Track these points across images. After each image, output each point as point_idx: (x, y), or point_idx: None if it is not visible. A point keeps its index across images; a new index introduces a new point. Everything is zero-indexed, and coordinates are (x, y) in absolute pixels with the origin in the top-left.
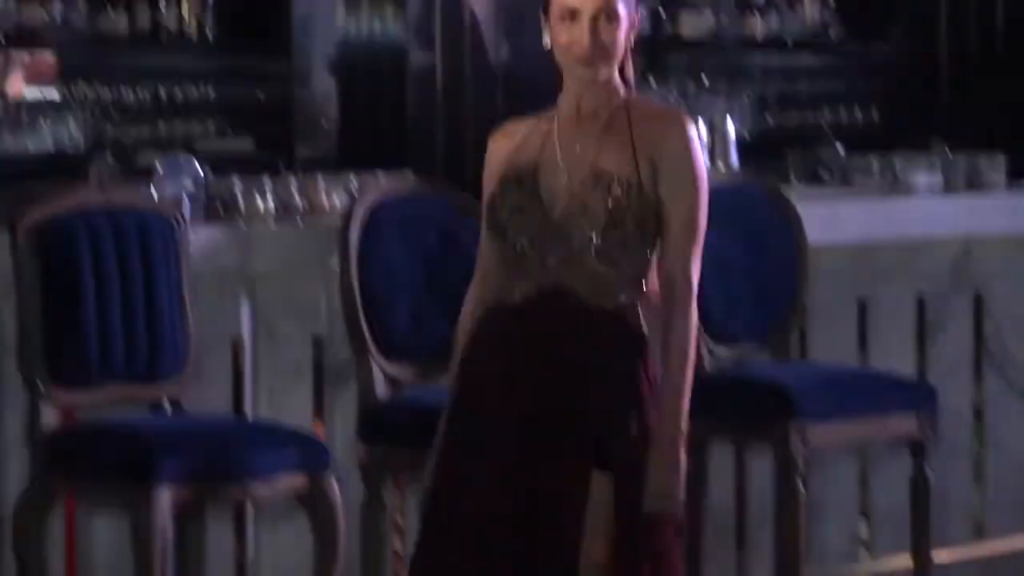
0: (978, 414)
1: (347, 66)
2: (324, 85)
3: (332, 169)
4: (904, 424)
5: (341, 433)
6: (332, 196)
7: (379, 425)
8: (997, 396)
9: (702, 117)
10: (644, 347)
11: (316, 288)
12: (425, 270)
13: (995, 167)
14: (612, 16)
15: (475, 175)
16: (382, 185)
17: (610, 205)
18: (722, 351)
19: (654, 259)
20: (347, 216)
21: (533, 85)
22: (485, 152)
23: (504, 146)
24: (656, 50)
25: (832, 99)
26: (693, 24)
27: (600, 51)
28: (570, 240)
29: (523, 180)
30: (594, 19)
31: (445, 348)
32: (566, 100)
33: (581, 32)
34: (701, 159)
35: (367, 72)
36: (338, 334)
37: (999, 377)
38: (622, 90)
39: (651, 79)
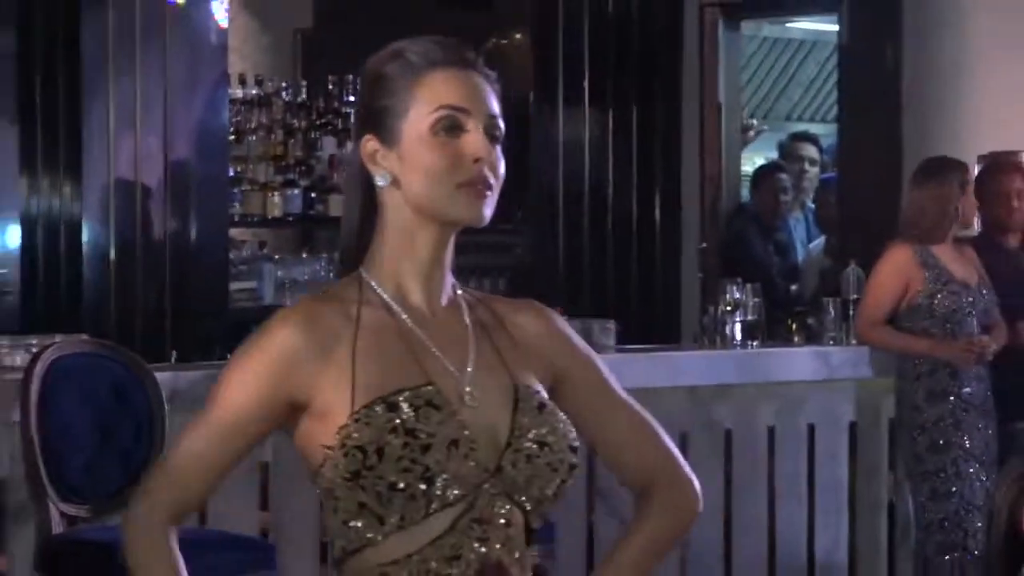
0: (591, 543)
1: (29, 239)
2: (7, 257)
3: (13, 332)
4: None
5: (21, 567)
6: (14, 356)
7: (55, 558)
8: (606, 528)
9: None
10: None
11: None
12: (98, 421)
13: (605, 331)
14: (500, 134)
15: (144, 338)
16: (59, 345)
17: (571, 442)
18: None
19: None
20: (27, 372)
21: (200, 257)
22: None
23: (303, 339)
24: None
25: (461, 272)
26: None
27: (496, 179)
28: (522, 494)
29: (438, 405)
30: (484, 131)
31: (116, 490)
32: (405, 280)
33: (475, 142)
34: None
35: (47, 245)
36: (18, 477)
37: (607, 510)
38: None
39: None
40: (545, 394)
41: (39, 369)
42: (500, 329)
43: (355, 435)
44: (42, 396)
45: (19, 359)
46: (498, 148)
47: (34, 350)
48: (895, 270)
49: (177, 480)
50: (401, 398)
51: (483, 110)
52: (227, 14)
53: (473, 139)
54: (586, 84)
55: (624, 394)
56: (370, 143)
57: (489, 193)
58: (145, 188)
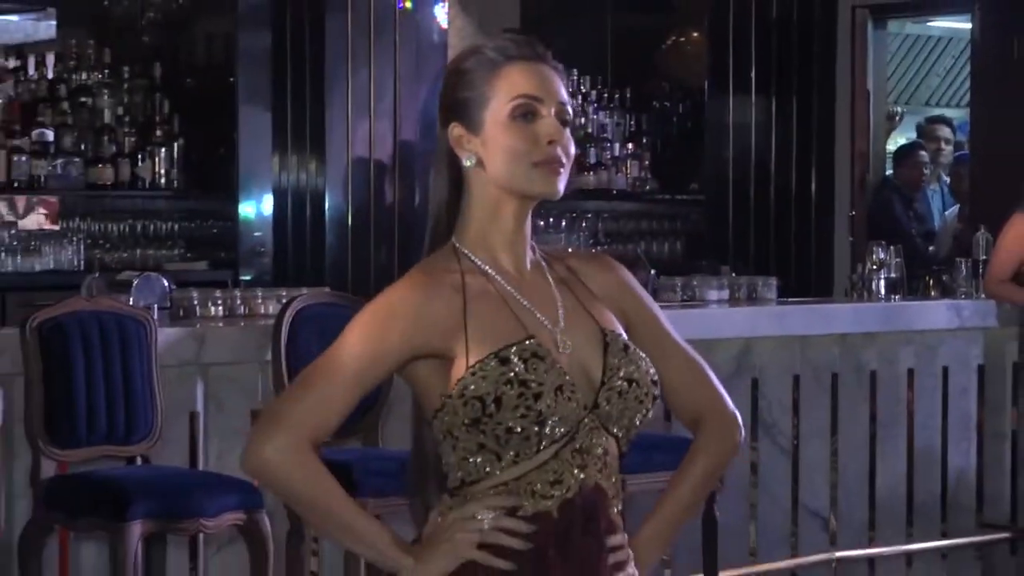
0: (754, 468)
1: (280, 207)
2: (262, 222)
3: (267, 285)
4: None
5: None
6: (267, 305)
7: None
8: (768, 454)
9: None
10: None
11: (254, 372)
12: None
13: (768, 286)
14: (569, 119)
15: (376, 290)
16: (305, 296)
17: (652, 376)
18: None
19: None
20: (278, 319)
21: (423, 222)
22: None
23: (424, 302)
24: None
25: (647, 235)
26: None
27: (567, 158)
28: (616, 426)
29: (542, 356)
30: (555, 116)
31: (352, 416)
32: (493, 248)
33: (548, 126)
34: None
35: (295, 211)
36: None
37: (770, 441)
38: None
39: None
40: (626, 336)
41: (288, 316)
42: (577, 282)
43: (472, 387)
44: (290, 339)
45: (271, 307)
46: (567, 130)
47: (284, 300)
48: (1019, 235)
49: (308, 413)
50: (511, 352)
51: (554, 97)
52: (447, 16)
53: (547, 123)
54: (753, 75)
55: (680, 339)
56: (456, 129)
57: (562, 170)
58: (378, 164)
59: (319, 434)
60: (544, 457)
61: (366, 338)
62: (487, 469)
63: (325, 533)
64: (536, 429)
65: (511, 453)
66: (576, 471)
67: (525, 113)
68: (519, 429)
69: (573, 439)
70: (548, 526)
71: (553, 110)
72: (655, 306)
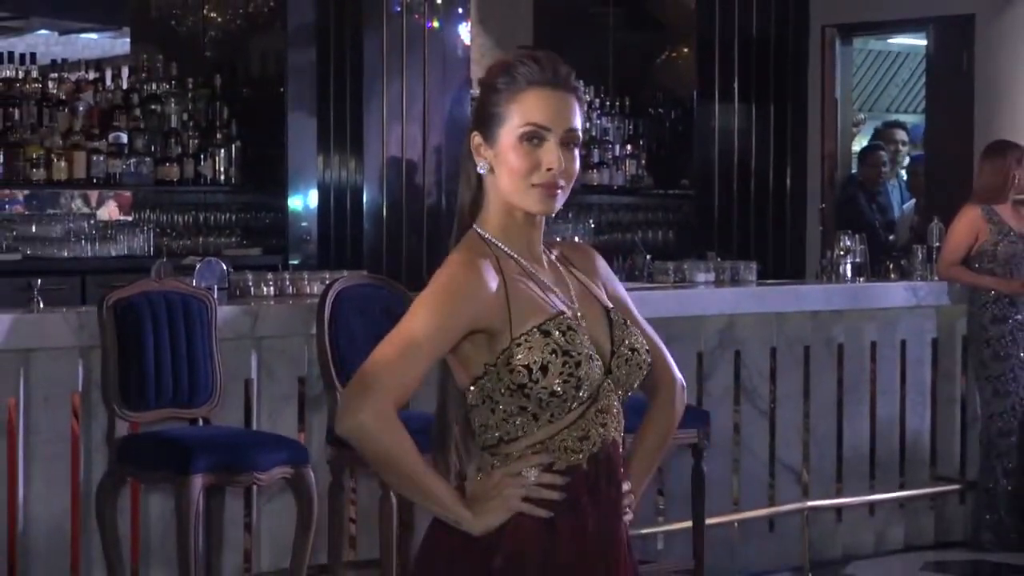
0: (736, 428)
1: (324, 201)
2: (308, 213)
3: (312, 268)
4: (689, 436)
5: (316, 440)
6: (312, 286)
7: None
8: (749, 416)
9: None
10: None
11: (301, 345)
12: (373, 332)
13: (749, 270)
14: (576, 141)
15: (407, 273)
16: (345, 278)
17: (645, 346)
18: None
19: None
20: (322, 298)
21: (449, 215)
22: (439, 268)
23: (478, 282)
24: None
25: (643, 225)
26: None
27: (566, 180)
28: (622, 388)
29: (575, 329)
30: (561, 142)
31: None
32: (513, 238)
33: (550, 155)
34: None
35: (337, 204)
36: (315, 375)
37: (751, 405)
38: None
39: None
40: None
41: (330, 296)
42: (572, 267)
43: (519, 356)
44: (332, 315)
45: (316, 288)
46: (575, 151)
47: (327, 281)
48: (967, 224)
49: (393, 381)
50: (551, 326)
51: (564, 124)
52: (470, 34)
53: (550, 151)
54: (736, 85)
55: (641, 318)
56: (476, 138)
57: (559, 192)
58: (409, 163)
59: (401, 400)
60: (573, 417)
61: (434, 315)
62: (524, 429)
63: (399, 487)
64: (573, 392)
65: (548, 414)
66: (599, 428)
67: (532, 138)
68: (561, 392)
69: (596, 400)
70: (580, 477)
71: (560, 137)
72: (623, 289)
